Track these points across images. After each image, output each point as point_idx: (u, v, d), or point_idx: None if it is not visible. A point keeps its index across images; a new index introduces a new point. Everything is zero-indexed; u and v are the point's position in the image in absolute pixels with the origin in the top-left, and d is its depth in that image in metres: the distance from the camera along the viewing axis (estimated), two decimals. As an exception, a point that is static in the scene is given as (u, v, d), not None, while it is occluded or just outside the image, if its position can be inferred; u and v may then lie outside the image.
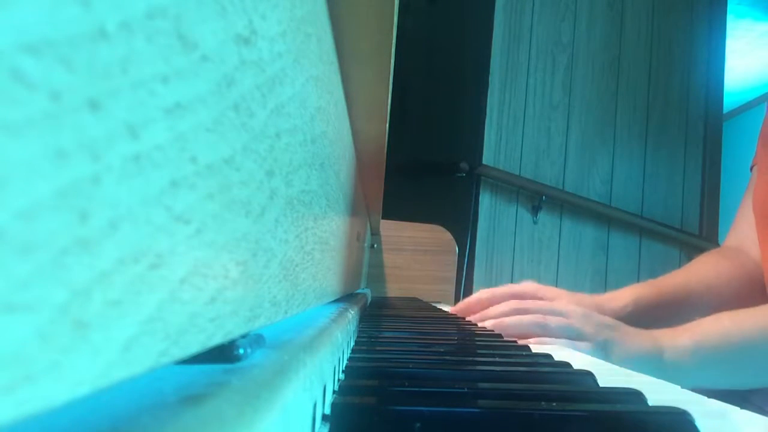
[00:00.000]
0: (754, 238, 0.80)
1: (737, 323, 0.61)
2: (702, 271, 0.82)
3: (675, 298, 0.78)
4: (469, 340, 0.50)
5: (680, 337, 0.60)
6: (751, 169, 0.84)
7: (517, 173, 2.03)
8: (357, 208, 0.66)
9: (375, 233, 1.26)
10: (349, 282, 0.64)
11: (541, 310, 0.61)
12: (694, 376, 0.59)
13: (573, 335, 0.56)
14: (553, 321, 0.58)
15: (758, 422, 0.26)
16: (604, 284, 2.08)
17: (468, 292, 1.88)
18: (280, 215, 0.20)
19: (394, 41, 0.40)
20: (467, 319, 0.74)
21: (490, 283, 1.94)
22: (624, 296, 0.77)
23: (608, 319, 0.61)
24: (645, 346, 0.58)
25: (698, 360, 0.59)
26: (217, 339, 0.14)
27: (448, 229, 1.34)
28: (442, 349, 0.41)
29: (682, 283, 0.80)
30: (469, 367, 0.34)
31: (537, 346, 0.52)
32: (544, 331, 0.58)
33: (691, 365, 0.59)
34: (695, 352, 0.59)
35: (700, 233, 2.21)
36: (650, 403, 0.25)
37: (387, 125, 0.57)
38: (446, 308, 1.00)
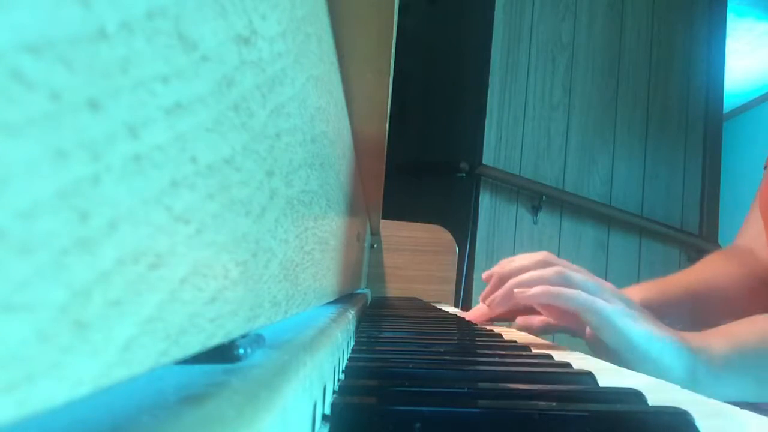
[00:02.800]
0: (764, 239, 0.78)
1: None
2: (709, 273, 0.80)
3: (682, 301, 0.76)
4: (468, 340, 0.50)
5: (713, 341, 0.54)
6: (765, 168, 0.83)
7: (517, 173, 2.03)
8: (357, 208, 0.66)
9: (375, 233, 1.26)
10: (349, 282, 0.64)
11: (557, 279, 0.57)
12: (731, 385, 0.53)
13: (587, 299, 0.51)
14: (575, 277, 0.55)
15: (758, 422, 0.26)
16: (604, 284, 2.07)
17: (468, 292, 1.88)
18: (280, 215, 0.20)
19: (394, 41, 0.40)
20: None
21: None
22: (631, 297, 0.75)
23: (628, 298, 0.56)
24: (674, 335, 0.52)
25: (736, 367, 0.53)
26: (217, 339, 0.14)
27: (448, 229, 1.34)
28: (442, 349, 0.41)
29: (690, 286, 0.77)
30: (469, 367, 0.34)
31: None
32: (565, 281, 0.54)
33: (729, 372, 0.52)
34: (732, 358, 0.53)
35: (700, 233, 2.21)
36: (650, 403, 0.25)
37: (387, 125, 0.57)
38: (446, 308, 1.00)
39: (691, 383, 0.50)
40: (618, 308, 0.52)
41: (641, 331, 0.51)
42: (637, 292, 0.76)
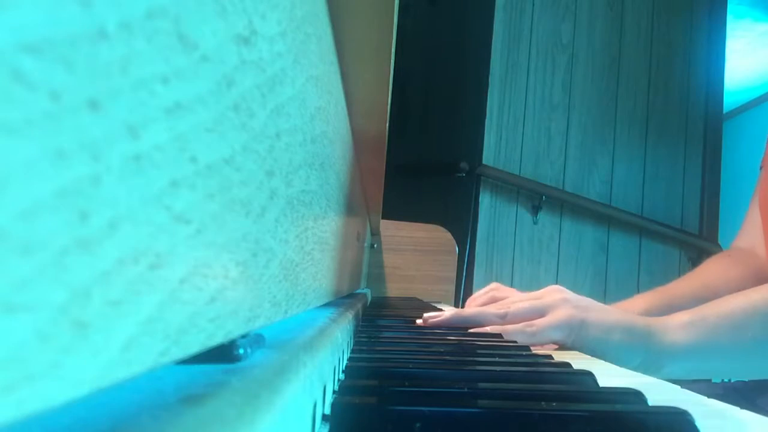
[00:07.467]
0: (764, 238, 0.78)
1: (744, 295, 0.56)
2: (712, 279, 0.79)
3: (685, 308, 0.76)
4: (468, 340, 0.50)
5: (674, 315, 0.55)
6: (761, 168, 0.83)
7: (517, 173, 2.03)
8: (357, 208, 0.66)
9: (375, 233, 1.26)
10: (349, 282, 0.64)
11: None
12: (688, 352, 0.53)
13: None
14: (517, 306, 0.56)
15: (759, 423, 0.26)
16: (604, 284, 2.08)
17: (468, 292, 1.88)
18: (280, 215, 0.20)
19: (394, 41, 0.40)
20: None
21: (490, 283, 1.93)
22: (634, 308, 0.74)
23: (584, 299, 0.56)
24: (625, 318, 0.53)
25: (695, 332, 0.53)
26: (217, 339, 0.14)
27: (448, 229, 1.34)
28: (442, 349, 0.41)
29: (696, 295, 0.77)
30: (469, 367, 0.34)
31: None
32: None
33: (687, 338, 0.53)
34: (692, 323, 0.54)
35: (700, 233, 2.21)
36: (650, 403, 0.25)
37: (387, 125, 0.57)
38: (446, 308, 1.00)
39: (642, 355, 0.53)
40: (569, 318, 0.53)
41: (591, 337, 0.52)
42: (641, 302, 0.76)
